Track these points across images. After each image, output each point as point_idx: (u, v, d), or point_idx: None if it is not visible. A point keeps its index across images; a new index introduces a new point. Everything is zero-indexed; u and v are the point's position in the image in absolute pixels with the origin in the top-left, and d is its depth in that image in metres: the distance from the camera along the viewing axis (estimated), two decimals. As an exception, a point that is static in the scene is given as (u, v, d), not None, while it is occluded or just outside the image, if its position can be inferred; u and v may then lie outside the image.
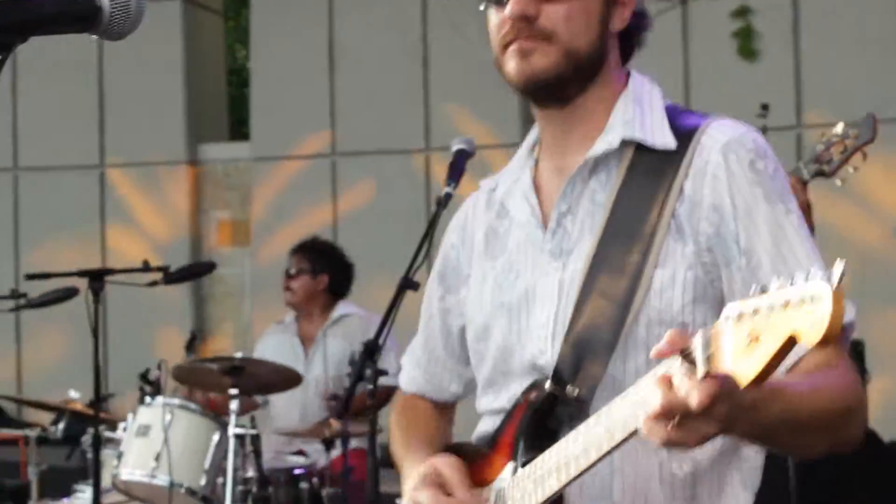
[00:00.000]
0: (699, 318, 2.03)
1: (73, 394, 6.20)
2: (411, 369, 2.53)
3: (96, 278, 5.24)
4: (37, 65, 10.26)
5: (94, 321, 5.20)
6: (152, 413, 5.52)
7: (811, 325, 1.47)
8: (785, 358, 1.53)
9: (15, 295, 5.72)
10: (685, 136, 2.11)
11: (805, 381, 1.91)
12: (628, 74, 2.24)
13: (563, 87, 2.15)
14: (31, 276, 5.43)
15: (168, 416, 5.47)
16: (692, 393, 1.62)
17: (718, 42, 7.91)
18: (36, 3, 1.56)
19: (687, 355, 1.65)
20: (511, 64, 2.13)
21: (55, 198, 10.33)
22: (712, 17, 7.96)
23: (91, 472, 5.44)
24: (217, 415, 5.59)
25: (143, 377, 5.79)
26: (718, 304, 1.98)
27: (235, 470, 5.33)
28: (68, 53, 10.32)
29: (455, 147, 3.69)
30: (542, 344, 2.14)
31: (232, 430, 5.34)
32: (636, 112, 2.16)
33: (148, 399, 5.57)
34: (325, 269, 6.29)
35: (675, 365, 1.67)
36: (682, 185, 2.07)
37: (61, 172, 10.37)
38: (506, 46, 2.14)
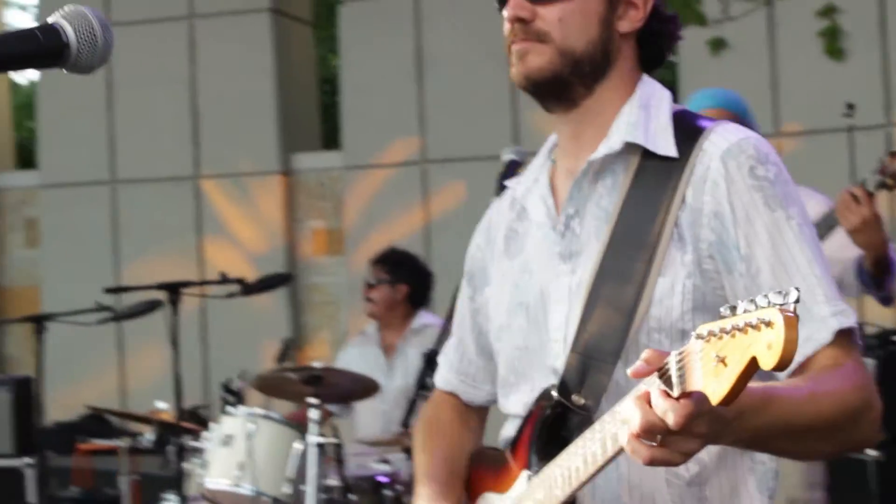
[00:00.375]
0: (699, 325, 2.02)
1: (161, 404, 6.31)
2: (445, 371, 2.57)
3: (174, 291, 5.33)
4: (131, 79, 10.48)
5: (173, 333, 5.29)
6: (235, 423, 5.58)
7: (766, 349, 1.49)
8: (751, 378, 1.54)
9: (100, 308, 5.84)
10: (689, 142, 2.12)
11: (804, 386, 1.92)
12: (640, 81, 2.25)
13: (563, 88, 2.19)
14: (109, 290, 5.56)
15: (251, 426, 5.52)
16: (669, 413, 1.65)
17: (805, 42, 7.82)
18: (5, 42, 1.57)
19: (663, 374, 1.67)
20: (512, 67, 2.20)
21: (152, 210, 10.49)
22: (798, 16, 7.88)
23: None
24: (300, 424, 5.64)
25: (226, 387, 5.86)
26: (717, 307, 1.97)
27: (317, 478, 5.37)
28: (162, 67, 10.52)
29: (505, 157, 3.69)
30: (556, 347, 2.17)
31: (313, 439, 5.39)
32: (641, 116, 2.17)
33: (230, 409, 5.65)
34: (404, 279, 6.31)
35: (652, 384, 1.69)
36: (684, 192, 2.08)
37: (157, 184, 10.53)
38: (509, 50, 2.20)
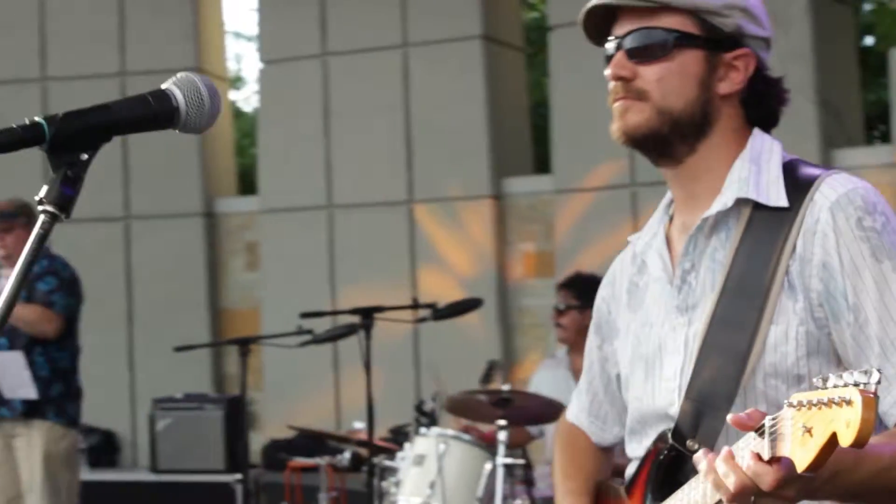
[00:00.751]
0: (814, 369, 2.11)
1: (358, 425, 6.46)
2: (577, 410, 2.70)
3: (367, 315, 5.47)
4: (348, 108, 10.78)
5: (367, 356, 5.44)
6: (427, 443, 5.71)
7: (846, 426, 1.57)
8: (833, 450, 1.62)
9: (301, 331, 6.03)
10: (800, 193, 2.17)
11: None
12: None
13: (663, 145, 2.27)
14: (305, 315, 5.71)
15: (442, 446, 5.64)
16: (762, 477, 1.75)
17: None
18: (122, 107, 1.75)
19: (761, 432, 1.77)
20: (614, 123, 2.29)
21: (367, 234, 10.74)
22: None
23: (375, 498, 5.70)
24: (489, 445, 5.72)
25: (419, 408, 5.97)
26: (835, 356, 2.11)
27: (505, 498, 5.45)
28: (376, 96, 10.77)
29: None
30: (670, 396, 2.25)
31: (500, 460, 5.47)
32: (751, 171, 2.23)
33: (423, 430, 5.77)
34: (592, 304, 6.30)
35: (746, 444, 1.79)
36: (794, 243, 2.14)
37: (372, 209, 10.78)
38: (611, 105, 2.30)
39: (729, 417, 1.82)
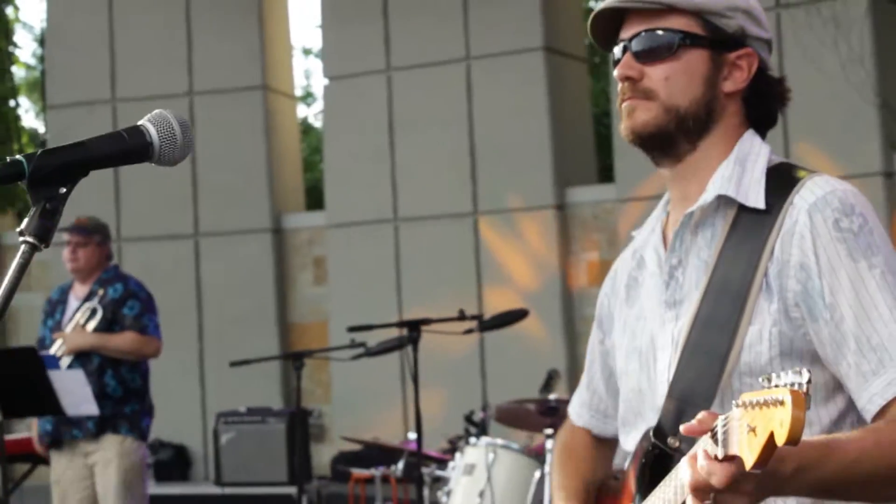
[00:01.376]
0: (787, 369, 2.09)
1: (412, 435, 6.52)
2: (578, 406, 2.74)
3: (414, 328, 5.53)
4: (412, 122, 10.89)
5: (414, 369, 5.48)
6: (477, 452, 5.76)
7: (780, 425, 1.61)
8: (775, 448, 1.65)
9: (354, 345, 6.10)
10: (782, 195, 2.21)
11: (868, 436, 1.99)
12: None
13: (668, 143, 2.30)
14: (352, 329, 5.78)
15: (491, 456, 5.69)
16: (713, 475, 1.77)
17: None
18: (98, 143, 1.86)
19: (714, 436, 1.80)
20: (621, 125, 2.33)
21: (432, 246, 10.82)
22: None
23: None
24: (538, 454, 5.76)
25: (468, 419, 6.02)
26: (809, 356, 2.15)
27: (552, 507, 5.47)
28: (440, 109, 10.86)
29: None
30: (663, 389, 2.29)
31: (547, 469, 5.50)
32: (735, 171, 2.27)
33: (473, 439, 5.82)
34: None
35: (702, 444, 1.82)
36: (773, 245, 2.17)
37: (437, 221, 10.86)
38: (621, 107, 2.33)
39: (682, 428, 1.86)
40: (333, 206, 11.39)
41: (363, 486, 7.97)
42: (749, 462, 1.67)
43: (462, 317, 5.65)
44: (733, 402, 1.72)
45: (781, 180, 2.23)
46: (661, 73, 2.26)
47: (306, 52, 21.50)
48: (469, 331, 5.72)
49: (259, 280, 11.52)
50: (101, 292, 6.55)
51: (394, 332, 5.95)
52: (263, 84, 11.70)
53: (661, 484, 2.06)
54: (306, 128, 19.13)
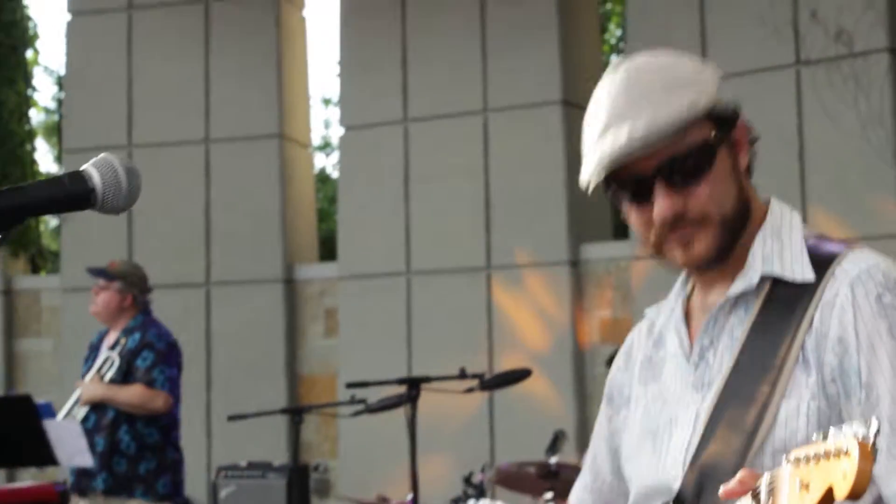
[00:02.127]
0: None
1: (408, 496, 6.40)
2: (580, 489, 2.57)
3: (414, 385, 5.43)
4: (428, 174, 10.82)
5: (412, 427, 5.39)
6: (475, 515, 5.63)
7: (842, 478, 1.49)
8: None
9: (353, 401, 6.00)
10: (822, 267, 2.10)
11: None
12: (767, 204, 2.24)
13: (728, 251, 2.17)
14: (351, 385, 5.68)
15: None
16: None
17: None
18: (36, 189, 1.75)
19: (756, 496, 1.70)
20: (676, 255, 2.16)
21: (445, 300, 10.72)
22: None
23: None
24: (536, 518, 5.64)
25: (467, 480, 5.90)
26: None
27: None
28: (456, 161, 10.79)
29: None
30: (675, 470, 2.16)
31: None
32: (774, 247, 2.16)
33: (471, 501, 5.69)
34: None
35: None
36: (812, 316, 2.06)
37: (451, 276, 10.76)
38: (658, 243, 2.16)
39: (721, 490, 1.76)
40: (346, 258, 11.30)
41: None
42: None
43: (463, 375, 5.55)
44: (783, 457, 1.62)
45: (819, 252, 2.14)
46: (706, 193, 2.11)
47: (326, 101, 21.53)
48: (470, 389, 5.61)
49: (269, 330, 11.43)
50: (123, 341, 6.48)
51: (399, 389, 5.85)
52: (280, 133, 11.66)
53: None
54: (324, 178, 19.10)
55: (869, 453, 1.47)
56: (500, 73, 10.82)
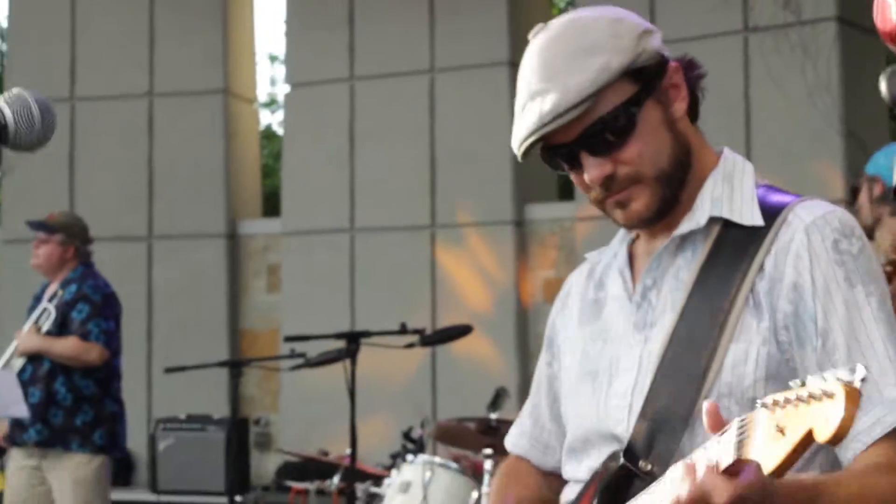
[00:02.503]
0: (762, 393, 1.98)
1: (348, 451, 6.41)
2: (517, 436, 2.55)
3: (353, 340, 5.42)
4: (374, 132, 10.80)
5: (351, 383, 5.37)
6: (414, 470, 5.65)
7: (825, 421, 1.48)
8: (805, 450, 1.55)
9: (294, 355, 6.00)
10: (773, 214, 2.09)
11: (855, 482, 1.90)
12: (720, 153, 2.22)
13: (669, 206, 2.15)
14: (289, 339, 5.67)
15: (428, 474, 5.58)
16: (716, 491, 1.69)
17: None
18: None
19: (722, 436, 1.71)
20: (615, 214, 2.16)
21: (389, 258, 10.72)
22: None
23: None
24: (476, 473, 5.66)
25: (406, 435, 5.91)
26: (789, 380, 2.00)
27: (487, 528, 5.38)
28: (402, 120, 10.77)
29: None
30: (619, 414, 2.14)
31: (486, 489, 5.40)
32: (724, 190, 2.15)
33: (410, 456, 5.71)
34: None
35: (704, 453, 1.74)
36: (763, 261, 2.05)
37: (394, 233, 10.76)
38: (601, 201, 2.16)
39: (706, 426, 1.75)
40: (290, 214, 11.27)
41: (304, 498, 7.84)
42: (771, 465, 1.56)
43: (404, 330, 5.55)
44: (758, 401, 1.61)
45: (770, 200, 2.12)
46: (634, 152, 2.09)
47: (273, 58, 21.38)
48: (410, 345, 5.62)
49: (212, 285, 11.39)
50: (60, 293, 6.42)
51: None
52: (225, 88, 11.58)
53: (636, 500, 1.95)
54: (270, 134, 19.00)
55: (856, 397, 1.47)
56: (447, 33, 10.80)
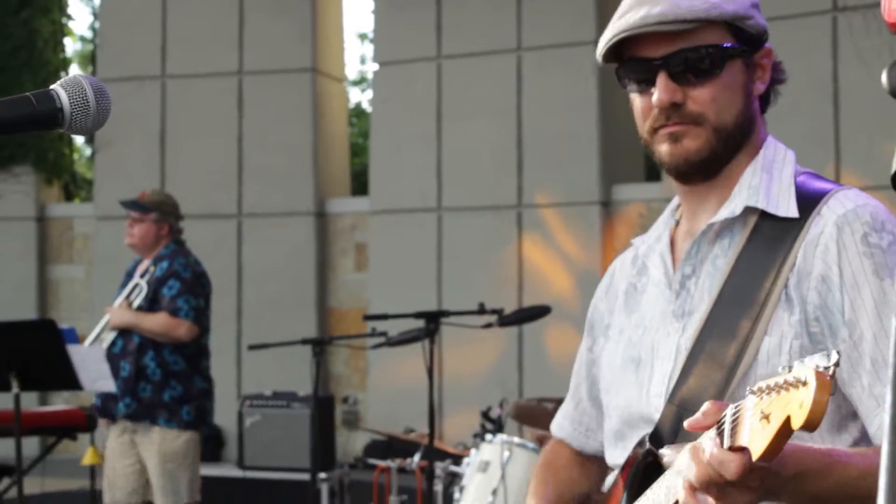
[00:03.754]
0: None
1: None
2: (561, 417, 2.59)
3: (432, 320, 5.44)
4: (460, 111, 10.80)
5: (430, 361, 5.40)
6: (492, 449, 5.67)
7: (799, 407, 1.49)
8: (790, 437, 1.55)
9: (375, 334, 6.04)
10: (809, 205, 2.08)
11: (872, 454, 1.87)
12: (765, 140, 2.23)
13: (718, 164, 2.16)
14: (368, 318, 5.70)
15: (506, 453, 5.59)
16: (726, 464, 1.69)
17: None
18: (2, 107, 1.72)
19: (720, 426, 1.71)
20: (663, 148, 2.15)
21: (476, 236, 10.73)
22: None
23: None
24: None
25: (485, 415, 5.92)
26: None
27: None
28: (489, 99, 10.76)
29: None
30: (657, 401, 2.15)
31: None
32: (763, 179, 2.14)
33: (489, 436, 5.72)
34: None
35: (707, 437, 1.73)
36: (796, 255, 2.04)
37: (481, 213, 10.77)
38: (655, 131, 2.15)
39: (685, 423, 1.76)
40: (378, 193, 11.33)
41: (388, 476, 7.90)
42: (759, 451, 1.57)
43: (482, 310, 5.56)
44: (748, 389, 1.63)
45: (808, 190, 2.12)
46: (708, 95, 2.11)
47: (362, 37, 21.45)
48: (488, 325, 5.62)
49: (300, 263, 11.49)
50: (152, 269, 6.53)
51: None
52: (313, 66, 11.66)
53: (653, 486, 1.95)
54: (359, 112, 19.07)
55: (826, 383, 1.47)
56: (534, 12, 10.76)
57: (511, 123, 10.76)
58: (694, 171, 2.16)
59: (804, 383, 1.49)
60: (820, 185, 2.13)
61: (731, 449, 1.65)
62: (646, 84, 2.15)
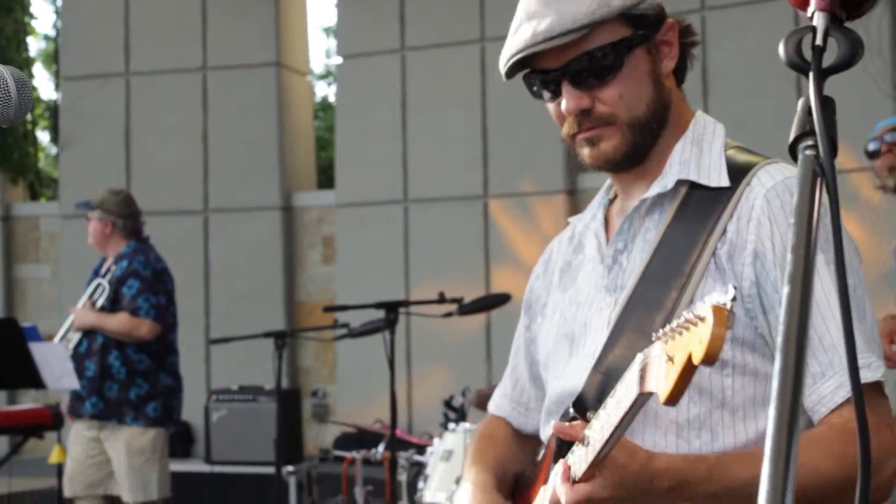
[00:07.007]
0: (737, 356, 2.02)
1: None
2: (499, 397, 2.61)
3: (392, 310, 5.44)
4: (425, 103, 10.79)
5: (391, 351, 5.39)
6: (455, 438, 5.68)
7: (698, 343, 1.49)
8: (693, 373, 1.54)
9: (336, 325, 6.04)
10: (740, 175, 2.09)
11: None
12: (693, 115, 2.24)
13: (639, 154, 2.17)
14: (328, 309, 5.69)
15: (469, 442, 5.59)
16: (561, 495, 1.87)
17: None
18: None
19: (584, 441, 1.86)
20: (584, 152, 2.19)
21: (442, 228, 10.73)
22: None
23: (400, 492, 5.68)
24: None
25: (448, 403, 5.93)
26: (758, 352, 2.02)
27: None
28: (454, 91, 10.76)
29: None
30: (583, 374, 2.15)
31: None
32: (693, 153, 2.16)
33: (452, 425, 5.73)
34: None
35: (612, 399, 1.80)
36: (725, 225, 2.05)
37: (447, 203, 10.77)
38: (572, 137, 2.18)
39: (553, 426, 1.84)
40: (344, 186, 11.32)
41: (357, 468, 7.90)
42: (663, 394, 1.57)
43: (442, 300, 5.56)
44: (654, 335, 1.63)
45: (738, 161, 2.12)
46: (615, 94, 2.11)
47: (328, 31, 21.44)
48: (448, 314, 5.63)
49: (267, 258, 11.47)
50: (113, 268, 6.51)
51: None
52: (278, 61, 11.63)
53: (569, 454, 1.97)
54: (326, 106, 19.06)
55: (724, 316, 1.47)
56: (497, 2, 10.76)
57: (476, 114, 10.76)
58: (619, 167, 2.18)
59: (702, 319, 1.49)
60: (749, 157, 2.14)
61: (641, 394, 1.68)
62: (553, 94, 2.16)
